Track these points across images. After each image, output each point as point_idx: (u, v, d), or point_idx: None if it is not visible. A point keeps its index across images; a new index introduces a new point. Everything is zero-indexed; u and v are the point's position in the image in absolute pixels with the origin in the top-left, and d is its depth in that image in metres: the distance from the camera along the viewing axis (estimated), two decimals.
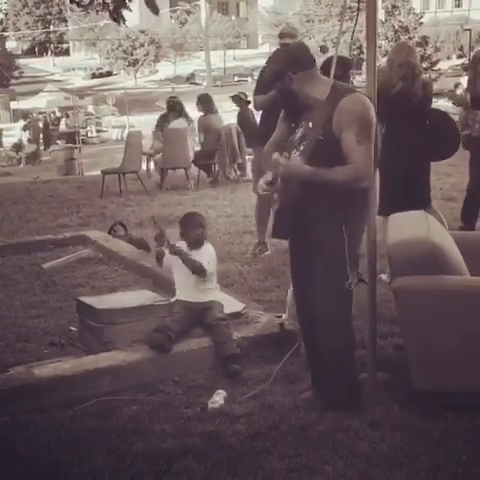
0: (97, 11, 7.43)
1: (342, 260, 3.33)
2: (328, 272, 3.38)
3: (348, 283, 3.34)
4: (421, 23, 49.75)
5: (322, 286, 3.40)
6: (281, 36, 6.65)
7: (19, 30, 69.57)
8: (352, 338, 3.53)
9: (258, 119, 7.43)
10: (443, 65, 48.58)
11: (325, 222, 3.34)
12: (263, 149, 3.85)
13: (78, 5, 7.69)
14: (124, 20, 7.36)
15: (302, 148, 3.36)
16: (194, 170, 11.71)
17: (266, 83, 3.59)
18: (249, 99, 12.23)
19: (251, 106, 11.90)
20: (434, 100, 5.71)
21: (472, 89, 6.26)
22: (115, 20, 7.29)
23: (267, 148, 3.71)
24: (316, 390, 3.64)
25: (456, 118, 7.51)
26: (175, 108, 11.70)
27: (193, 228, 4.42)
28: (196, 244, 4.41)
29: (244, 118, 12.23)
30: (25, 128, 28.11)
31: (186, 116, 11.73)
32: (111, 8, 7.08)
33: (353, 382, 3.54)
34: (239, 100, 12.53)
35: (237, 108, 13.07)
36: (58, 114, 34.29)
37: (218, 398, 3.61)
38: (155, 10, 7.55)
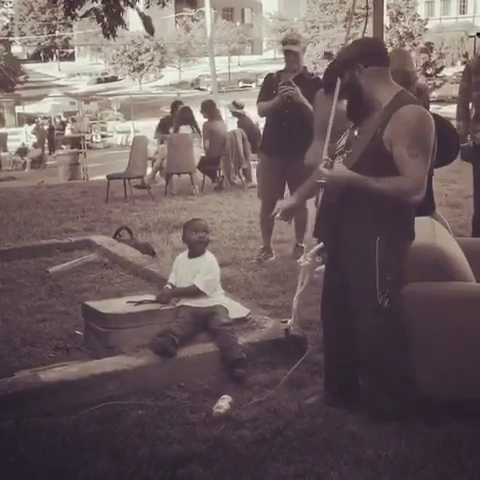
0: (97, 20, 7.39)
1: (372, 275, 3.25)
2: (358, 285, 3.33)
3: (380, 301, 3.26)
4: (426, 29, 49.82)
5: (355, 298, 3.35)
6: (284, 42, 6.61)
7: (25, 35, 69.78)
8: (389, 349, 3.36)
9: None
10: (448, 71, 48.61)
11: (359, 232, 3.27)
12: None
13: (72, 17, 7.69)
14: (115, 36, 7.32)
15: (345, 156, 3.29)
16: (199, 175, 11.74)
17: (336, 72, 3.44)
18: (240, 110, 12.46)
19: (247, 113, 12.10)
20: (438, 106, 5.68)
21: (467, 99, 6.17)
22: (106, 35, 7.26)
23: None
24: (328, 393, 3.61)
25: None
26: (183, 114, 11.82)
27: (194, 234, 4.48)
28: (197, 250, 4.48)
29: (245, 125, 12.27)
30: (35, 132, 28.30)
31: (193, 122, 11.82)
32: (106, 21, 7.06)
33: (396, 392, 3.41)
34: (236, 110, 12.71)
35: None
36: (63, 119, 34.45)
37: (223, 403, 3.60)
38: (151, 31, 7.57)
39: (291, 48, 6.44)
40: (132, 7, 7.33)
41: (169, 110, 13.62)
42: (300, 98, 6.27)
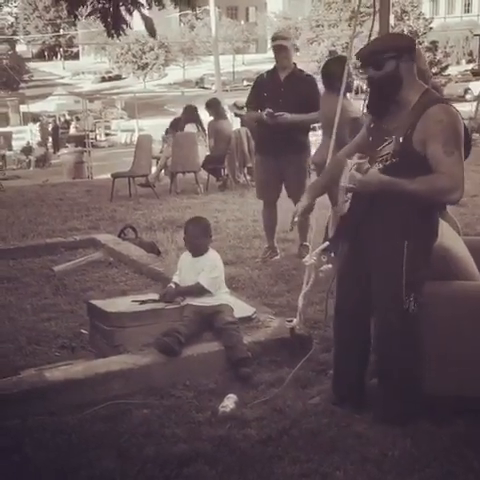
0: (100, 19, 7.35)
1: (398, 280, 3.21)
2: (382, 288, 3.29)
3: (406, 305, 3.22)
4: (430, 28, 49.72)
5: (378, 301, 3.32)
6: (274, 38, 6.51)
7: (29, 34, 69.86)
8: (409, 353, 3.32)
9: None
10: (452, 70, 48.53)
11: (387, 236, 3.22)
12: (338, 153, 3.70)
13: (75, 17, 7.66)
14: (119, 35, 7.31)
15: (388, 163, 3.19)
16: (203, 174, 11.73)
17: (374, 61, 3.19)
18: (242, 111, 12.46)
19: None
20: None
21: None
22: (110, 35, 7.23)
23: (342, 153, 3.54)
24: (336, 394, 3.59)
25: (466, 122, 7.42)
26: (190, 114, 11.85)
27: (195, 236, 4.43)
28: (198, 251, 4.44)
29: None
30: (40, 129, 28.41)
31: (198, 121, 11.83)
32: (110, 21, 7.02)
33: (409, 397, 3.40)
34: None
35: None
36: (68, 117, 34.49)
37: (229, 402, 3.60)
38: (152, 33, 7.55)
39: (282, 43, 6.36)
40: (130, 14, 7.32)
41: (173, 109, 13.65)
42: (290, 119, 6.22)
